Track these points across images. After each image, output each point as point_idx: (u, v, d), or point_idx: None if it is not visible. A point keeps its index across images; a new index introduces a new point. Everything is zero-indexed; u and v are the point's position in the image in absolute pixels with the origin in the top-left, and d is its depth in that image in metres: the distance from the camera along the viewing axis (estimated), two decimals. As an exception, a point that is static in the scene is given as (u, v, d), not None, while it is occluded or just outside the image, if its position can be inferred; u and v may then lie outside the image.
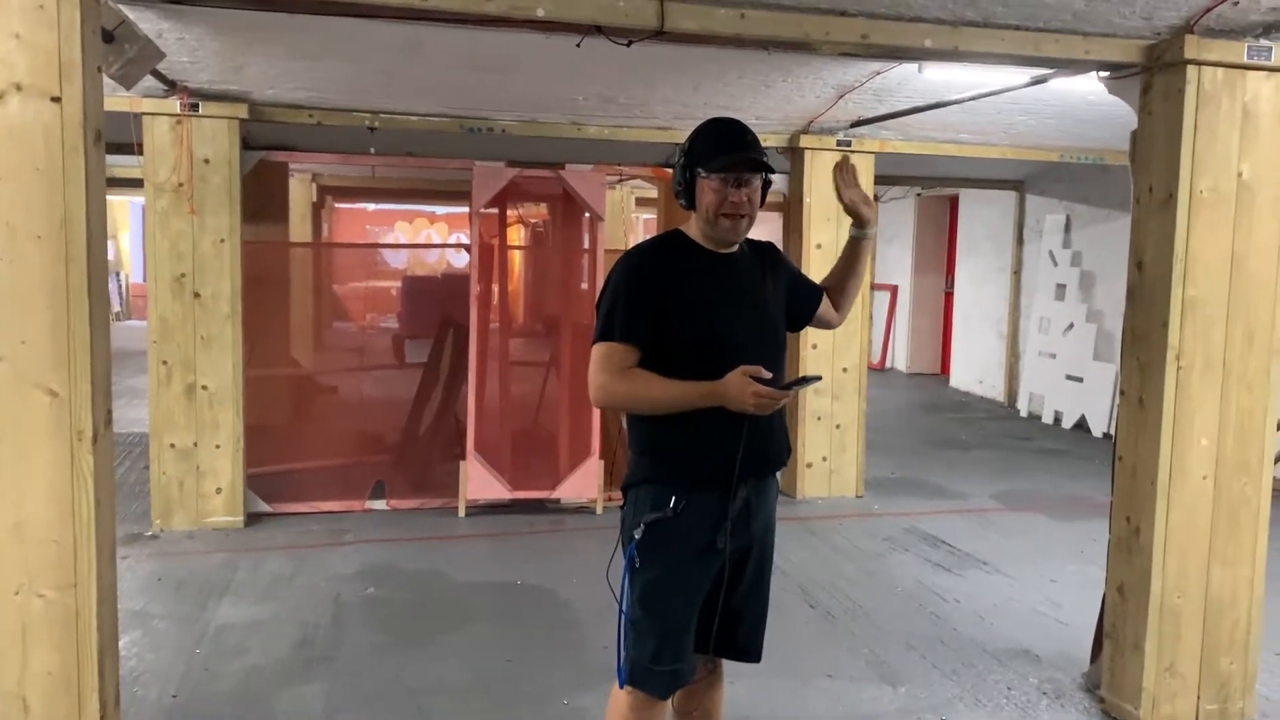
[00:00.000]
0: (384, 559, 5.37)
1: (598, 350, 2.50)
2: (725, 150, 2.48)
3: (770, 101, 5.67)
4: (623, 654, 2.60)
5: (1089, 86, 4.66)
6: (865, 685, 3.93)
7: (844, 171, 2.77)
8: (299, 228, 11.19)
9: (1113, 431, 9.09)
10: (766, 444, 2.53)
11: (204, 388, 5.73)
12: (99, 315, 2.72)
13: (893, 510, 6.54)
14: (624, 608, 2.59)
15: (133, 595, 4.70)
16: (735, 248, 2.60)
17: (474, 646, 4.26)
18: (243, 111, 5.67)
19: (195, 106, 5.56)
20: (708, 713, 2.85)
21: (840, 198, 2.76)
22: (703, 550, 2.50)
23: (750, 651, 2.75)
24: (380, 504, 6.34)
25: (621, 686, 2.61)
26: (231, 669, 3.97)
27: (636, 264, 2.54)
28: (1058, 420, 9.92)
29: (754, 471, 2.52)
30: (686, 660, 2.57)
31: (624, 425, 7.08)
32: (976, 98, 5.42)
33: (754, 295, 2.61)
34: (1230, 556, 3.57)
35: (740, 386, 2.34)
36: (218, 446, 5.78)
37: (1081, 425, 9.62)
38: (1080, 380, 9.71)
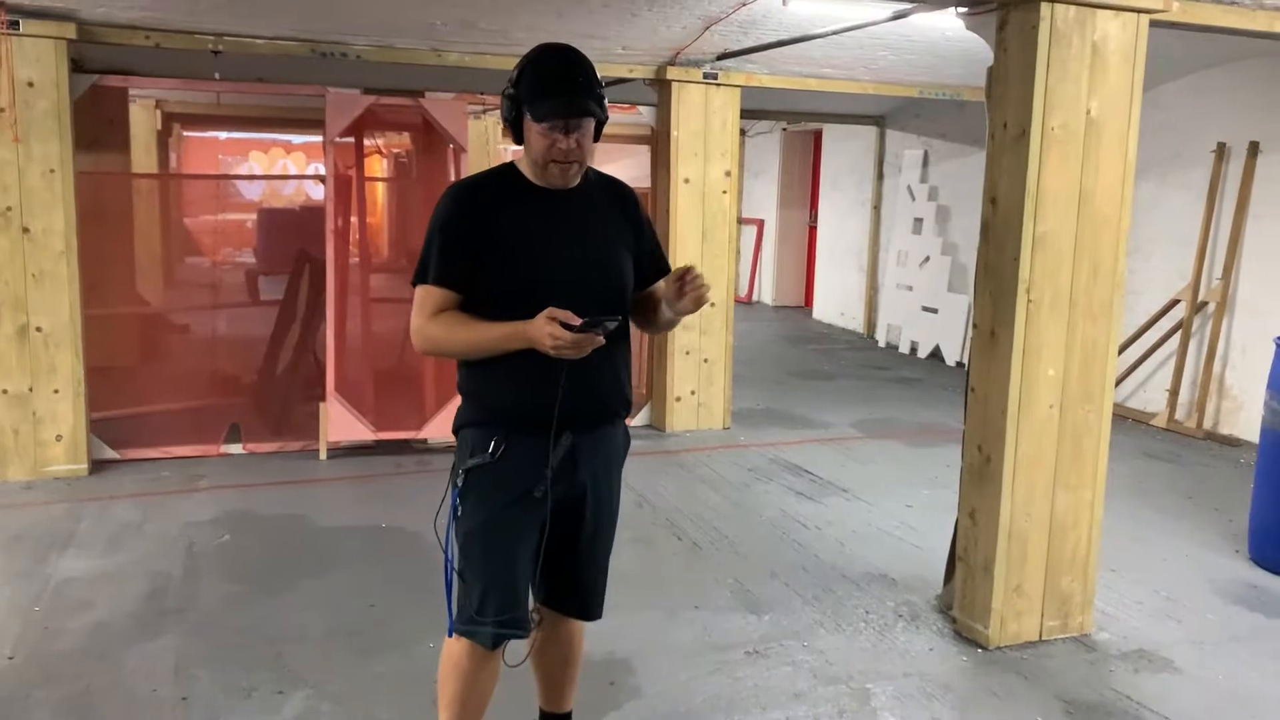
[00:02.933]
0: (241, 505, 5.18)
1: (416, 294, 2.40)
2: (551, 93, 2.30)
3: (636, 31, 5.57)
4: (451, 604, 2.51)
5: (948, 23, 4.73)
6: (731, 614, 4.00)
7: (688, 283, 2.37)
8: (143, 157, 10.54)
9: (965, 361, 9.49)
10: (592, 390, 2.41)
11: (38, 329, 5.37)
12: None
13: (758, 441, 6.65)
14: (448, 556, 2.48)
15: (-37, 552, 4.41)
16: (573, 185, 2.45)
17: (336, 593, 4.15)
18: (70, 31, 5.25)
19: (15, 25, 5.11)
20: (557, 660, 2.78)
21: (672, 300, 2.41)
22: (522, 497, 2.40)
23: (587, 608, 2.66)
24: (236, 448, 6.11)
25: (449, 635, 2.53)
26: (74, 625, 3.77)
27: (454, 202, 2.41)
28: (914, 350, 10.25)
29: (581, 418, 2.41)
30: (516, 612, 2.46)
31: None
32: (840, 31, 5.44)
33: (587, 234, 2.44)
34: (1073, 481, 3.75)
35: (538, 328, 2.22)
36: (56, 391, 5.44)
37: (936, 355, 9.97)
38: (935, 311, 10.03)
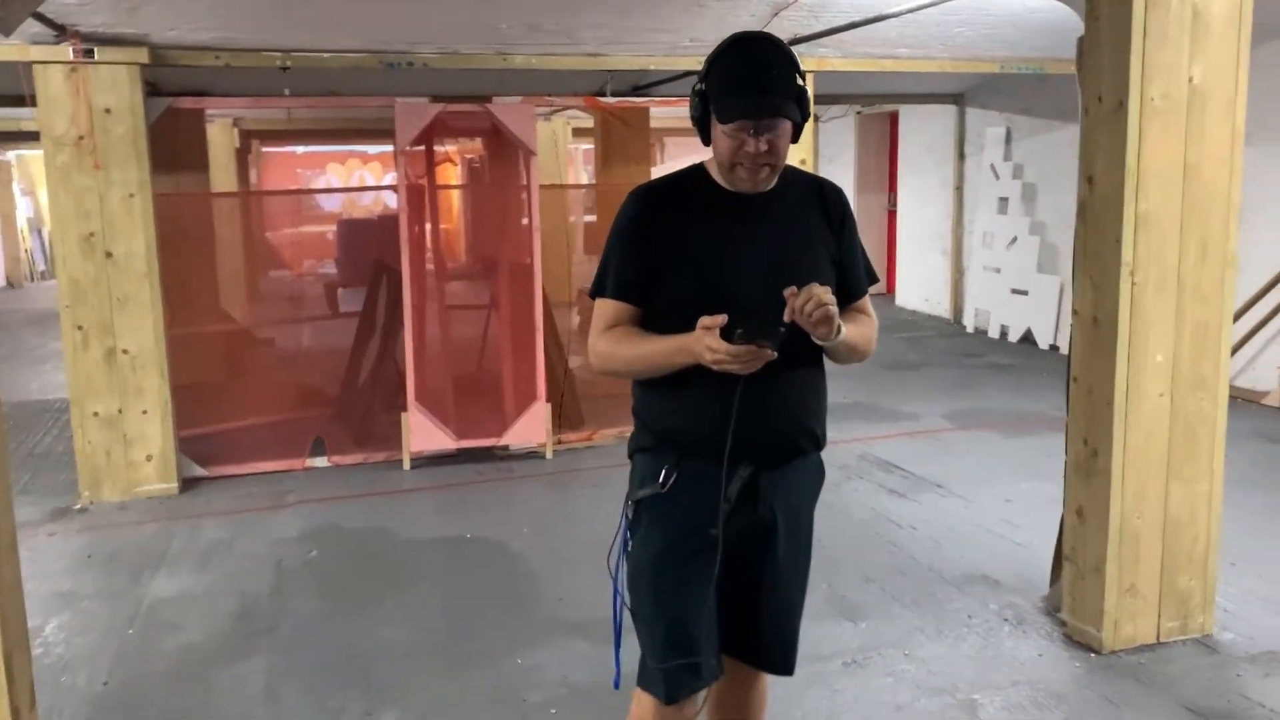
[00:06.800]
0: (327, 519, 5.19)
1: (595, 308, 2.21)
2: (739, 91, 2.04)
3: (703, 23, 5.44)
4: (619, 650, 2.31)
5: (1030, -7, 4.50)
6: (826, 622, 3.85)
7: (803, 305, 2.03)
8: (222, 176, 10.77)
9: (1058, 343, 9.17)
10: (774, 416, 2.13)
11: (124, 351, 5.45)
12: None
13: (846, 437, 6.46)
14: (618, 594, 2.27)
15: (60, 575, 4.48)
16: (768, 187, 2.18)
17: (422, 606, 4.11)
18: (143, 56, 5.30)
19: (90, 53, 5.18)
20: (733, 717, 2.46)
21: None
22: (697, 531, 2.14)
23: (770, 659, 2.36)
24: (321, 461, 6.14)
25: (616, 687, 2.35)
26: (167, 648, 3.79)
27: (634, 208, 2.19)
28: (1004, 334, 9.92)
29: (761, 448, 2.14)
30: (691, 659, 2.18)
31: (570, 366, 6.89)
32: (915, 9, 5.24)
33: (779, 241, 2.16)
34: (1188, 474, 3.52)
35: (697, 340, 1.98)
36: (144, 412, 5.52)
37: (1028, 339, 9.63)
38: (1025, 293, 9.69)
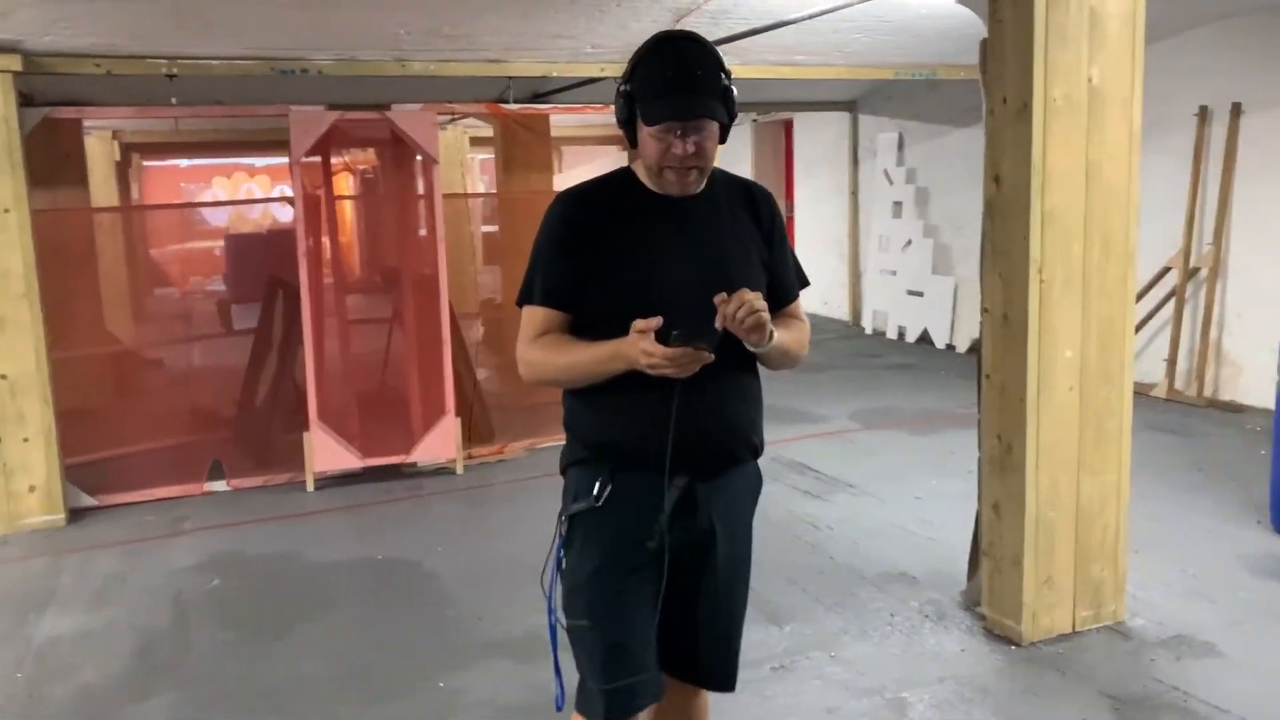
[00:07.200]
0: (229, 546, 4.97)
1: (522, 316, 2.13)
2: (664, 92, 1.98)
3: (605, 29, 5.40)
4: (558, 671, 2.21)
5: (923, 0, 4.58)
6: (751, 627, 3.73)
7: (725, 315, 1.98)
8: (101, 191, 10.30)
9: (954, 342, 9.39)
10: (710, 424, 2.07)
11: (3, 376, 5.13)
12: None
13: (757, 441, 6.48)
14: (553, 615, 2.19)
15: (-62, 618, 4.19)
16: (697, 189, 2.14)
17: (334, 634, 3.95)
18: (16, 64, 5.02)
19: (-44, 60, 4.88)
20: None
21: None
22: (633, 547, 2.07)
23: (711, 676, 2.29)
24: (220, 485, 5.88)
25: (559, 708, 2.24)
26: (59, 692, 3.55)
27: (560, 213, 2.12)
28: (902, 335, 10.12)
29: (699, 458, 2.08)
30: (631, 679, 2.09)
31: (478, 379, 6.75)
32: (814, 16, 5.30)
33: (709, 245, 2.11)
34: (1098, 466, 3.60)
35: (632, 344, 1.92)
36: (26, 440, 5.21)
37: (925, 338, 9.85)
38: (921, 295, 9.91)
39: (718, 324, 1.94)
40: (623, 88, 2.06)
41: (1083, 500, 3.60)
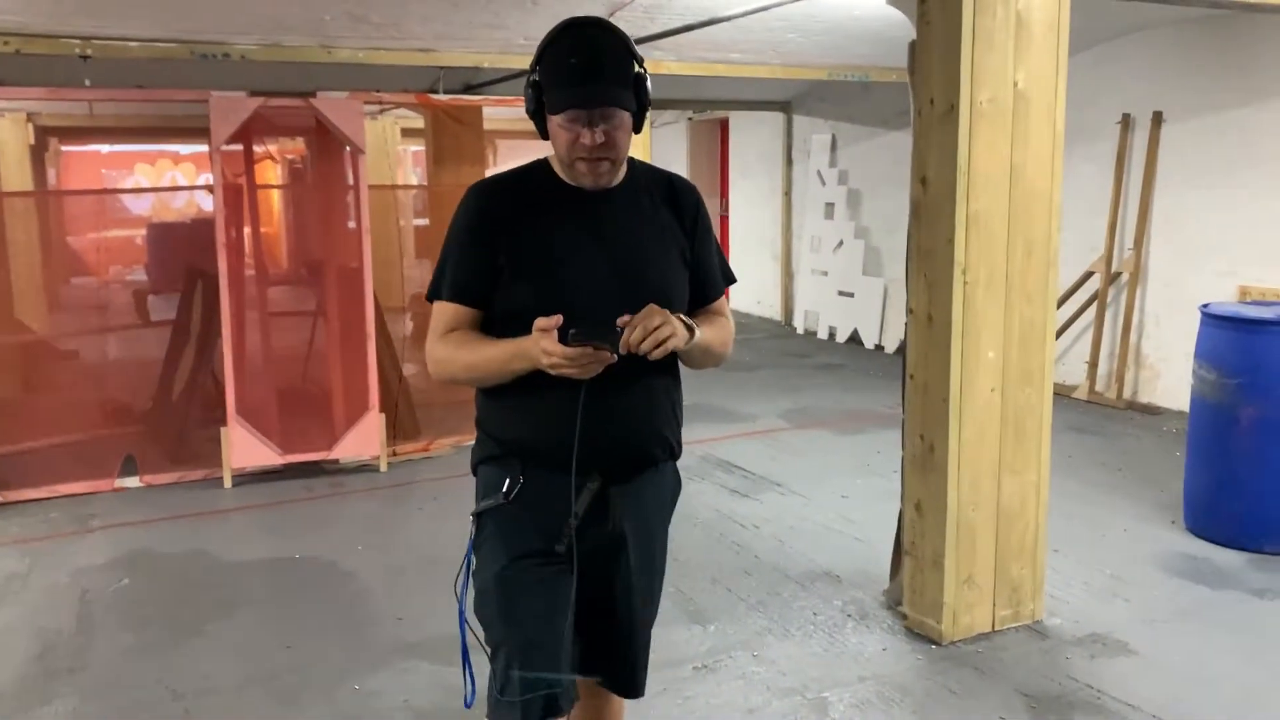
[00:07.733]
0: (139, 544, 4.80)
1: (432, 311, 2.07)
2: (570, 81, 1.91)
3: (538, 21, 5.33)
4: (469, 676, 2.14)
5: (855, 1, 4.60)
6: (674, 627, 3.80)
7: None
8: (14, 175, 9.94)
9: (883, 343, 9.48)
10: (621, 424, 2.02)
11: (-101, 366, 4.91)
12: None
13: (687, 439, 6.45)
14: (463, 618, 2.14)
15: None
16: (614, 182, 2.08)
17: (248, 635, 3.84)
18: (-84, 38, 4.80)
19: None
20: None
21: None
22: (543, 547, 2.03)
23: (623, 681, 2.25)
24: (132, 481, 5.69)
25: (468, 706, 2.17)
26: (-48, 696, 3.40)
27: (473, 204, 2.06)
28: (832, 335, 10.20)
29: (611, 458, 2.03)
30: (551, 688, 2.03)
31: (404, 374, 6.63)
32: (748, 13, 5.29)
33: (625, 240, 2.05)
34: (1019, 466, 3.64)
35: (533, 343, 1.87)
36: (-76, 433, 4.98)
37: (855, 339, 9.93)
38: (851, 295, 9.99)
39: (621, 349, 1.86)
40: (531, 77, 2.00)
41: (1003, 500, 3.64)
